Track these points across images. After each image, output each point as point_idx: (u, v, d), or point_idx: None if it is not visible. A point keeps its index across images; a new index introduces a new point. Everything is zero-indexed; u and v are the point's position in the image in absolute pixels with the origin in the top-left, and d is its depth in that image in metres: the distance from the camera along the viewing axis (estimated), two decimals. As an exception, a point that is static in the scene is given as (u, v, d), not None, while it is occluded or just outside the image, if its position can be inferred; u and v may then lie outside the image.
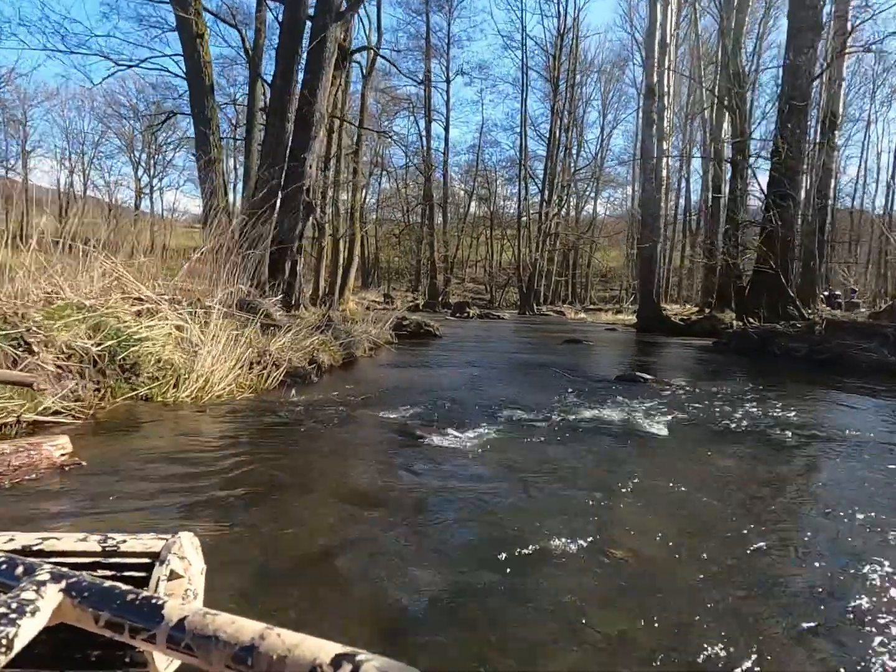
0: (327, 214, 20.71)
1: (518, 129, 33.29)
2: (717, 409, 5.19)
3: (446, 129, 32.21)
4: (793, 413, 5.13)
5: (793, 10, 11.98)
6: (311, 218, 11.60)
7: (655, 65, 17.30)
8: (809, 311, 11.31)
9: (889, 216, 35.33)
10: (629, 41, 39.18)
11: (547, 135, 32.84)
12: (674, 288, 37.72)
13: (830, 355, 9.29)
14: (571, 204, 39.93)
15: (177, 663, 0.46)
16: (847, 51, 12.08)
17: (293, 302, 11.48)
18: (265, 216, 10.44)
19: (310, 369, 6.05)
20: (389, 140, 35.94)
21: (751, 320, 11.96)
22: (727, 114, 20.55)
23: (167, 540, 0.52)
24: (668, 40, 18.15)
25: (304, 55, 11.10)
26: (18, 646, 0.37)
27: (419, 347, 10.26)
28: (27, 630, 0.38)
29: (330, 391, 5.37)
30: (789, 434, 4.34)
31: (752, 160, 13.29)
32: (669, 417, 4.71)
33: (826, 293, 18.06)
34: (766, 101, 25.30)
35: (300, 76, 11.00)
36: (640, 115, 34.70)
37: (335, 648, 0.33)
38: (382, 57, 18.84)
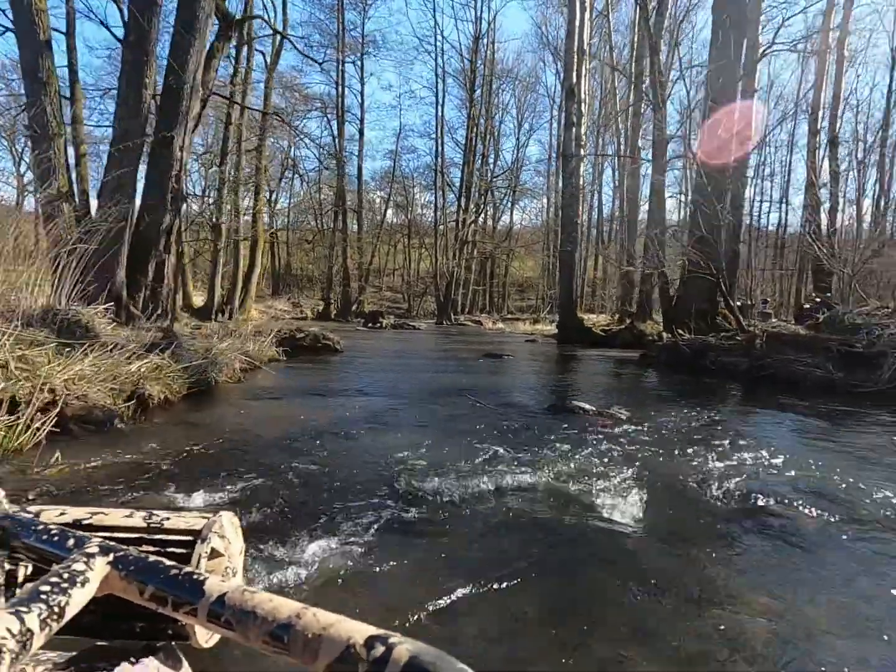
0: (224, 214, 18.35)
1: (435, 136, 31.88)
2: (685, 463, 3.68)
3: (361, 131, 30.20)
4: (776, 462, 3.71)
5: (718, 4, 11.14)
6: (181, 210, 9.47)
7: (575, 66, 16.26)
8: (747, 323, 10.32)
9: (784, 235, 36.64)
10: (543, 51, 39.01)
11: (464, 141, 31.63)
12: (588, 297, 37.41)
13: (773, 371, 8.19)
14: (489, 213, 38.96)
15: (217, 637, 0.47)
16: (772, 49, 11.40)
17: (160, 311, 9.30)
18: (118, 206, 8.29)
19: (119, 409, 4.08)
20: (300, 141, 33.67)
21: (680, 332, 10.86)
22: (644, 117, 19.95)
23: (209, 519, 0.52)
24: (585, 46, 17.24)
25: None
26: (69, 614, 0.38)
27: (312, 366, 8.38)
28: (77, 599, 0.39)
29: (127, 449, 3.44)
30: (808, 510, 2.87)
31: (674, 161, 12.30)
32: (630, 485, 3.14)
33: (739, 303, 17.56)
34: (683, 107, 25.19)
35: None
36: (558, 120, 34.32)
37: (369, 630, 0.33)
38: (284, 36, 16.73)
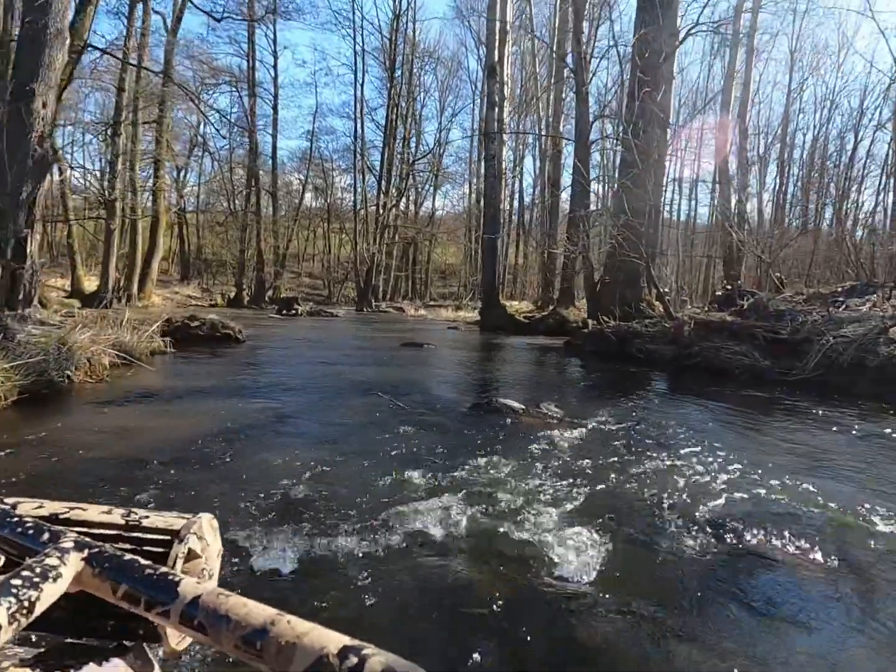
0: (118, 190, 16.45)
1: (354, 116, 30.45)
2: (630, 477, 3.06)
3: (274, 107, 28.21)
4: (727, 473, 3.16)
5: (643, -20, 10.75)
6: (48, 176, 8.04)
7: (497, 44, 15.56)
8: (674, 309, 10.05)
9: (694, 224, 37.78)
10: (465, 35, 38.42)
11: (384, 123, 30.40)
12: (510, 284, 37.35)
13: (701, 359, 7.87)
14: (411, 198, 38.03)
15: (189, 640, 0.45)
16: (697, 29, 11.14)
17: (21, 297, 7.86)
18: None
19: None
20: (210, 116, 31.30)
21: (605, 319, 10.48)
22: (566, 103, 19.65)
23: (188, 519, 0.50)
24: (507, 27, 16.58)
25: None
26: (39, 609, 0.37)
27: (205, 359, 7.27)
28: (48, 595, 0.38)
29: None
30: (783, 544, 2.28)
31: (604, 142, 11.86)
32: (573, 517, 2.45)
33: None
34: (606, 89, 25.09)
35: None
36: (480, 107, 33.73)
37: (343, 640, 0.32)
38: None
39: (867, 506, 2.71)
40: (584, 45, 13.34)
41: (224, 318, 9.75)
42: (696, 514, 2.55)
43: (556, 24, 21.89)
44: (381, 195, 29.38)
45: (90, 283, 17.86)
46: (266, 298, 24.98)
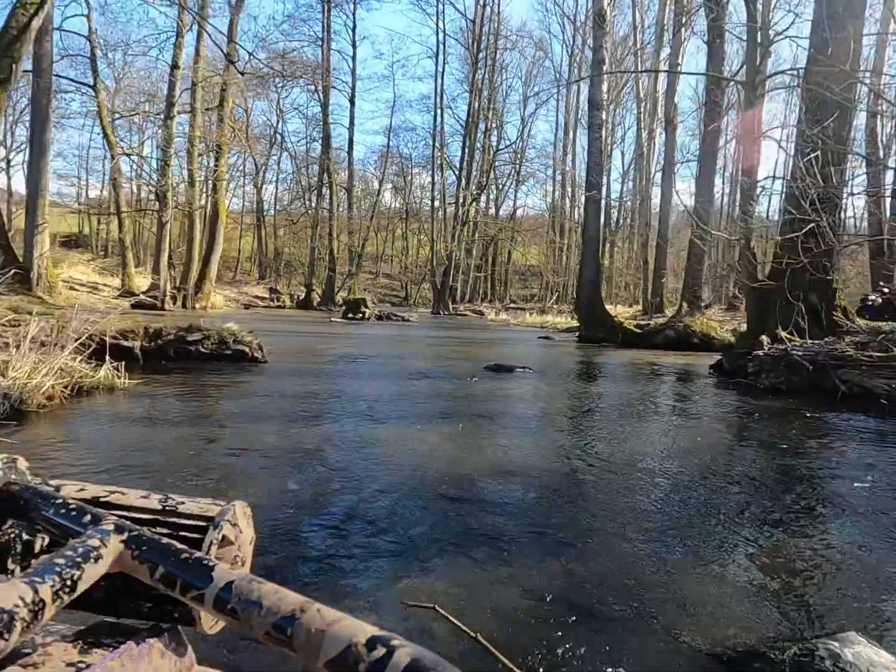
0: (168, 181, 14.24)
1: (433, 108, 27.53)
2: None
3: (352, 100, 25.84)
4: None
5: None
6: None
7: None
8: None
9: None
10: (549, 20, 35.15)
11: (465, 116, 27.29)
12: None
13: None
14: (491, 197, 34.81)
15: (221, 624, 0.46)
16: None
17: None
18: None
19: None
20: (287, 114, 29.47)
21: (786, 335, 6.79)
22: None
23: (222, 506, 0.50)
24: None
25: None
26: (81, 588, 0.38)
27: (168, 397, 4.32)
28: (89, 575, 0.38)
29: None
30: None
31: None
32: None
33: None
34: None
35: None
36: (566, 100, 30.10)
37: (371, 631, 0.32)
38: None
39: None
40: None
41: (244, 328, 6.89)
42: None
43: None
44: (461, 190, 26.33)
45: (143, 282, 15.88)
46: (339, 299, 22.51)
